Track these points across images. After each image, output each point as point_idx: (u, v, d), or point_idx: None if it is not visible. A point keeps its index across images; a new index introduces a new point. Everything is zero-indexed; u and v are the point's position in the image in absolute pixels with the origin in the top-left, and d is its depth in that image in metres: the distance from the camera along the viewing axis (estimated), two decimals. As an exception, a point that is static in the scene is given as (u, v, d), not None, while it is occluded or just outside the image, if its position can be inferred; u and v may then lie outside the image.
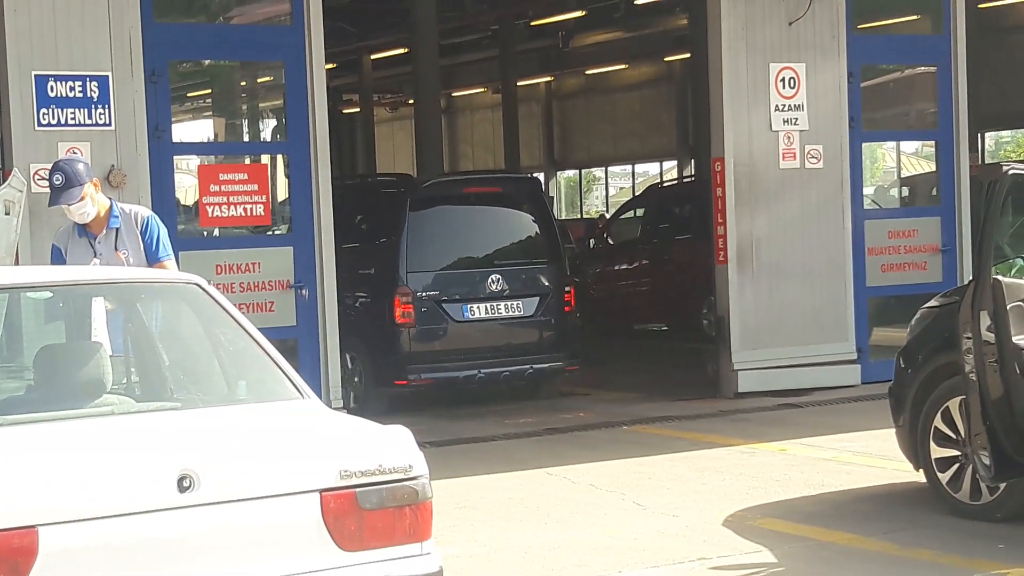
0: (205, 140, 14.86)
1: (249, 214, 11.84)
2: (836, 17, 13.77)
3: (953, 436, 8.45)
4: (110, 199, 8.40)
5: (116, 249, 8.14)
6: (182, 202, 13.06)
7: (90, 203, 8.10)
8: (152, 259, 8.18)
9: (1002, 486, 8.12)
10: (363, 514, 5.04)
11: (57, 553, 4.61)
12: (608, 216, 32.82)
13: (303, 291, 11.95)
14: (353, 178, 27.79)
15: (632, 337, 20.02)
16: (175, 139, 11.89)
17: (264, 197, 11.93)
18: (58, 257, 8.26)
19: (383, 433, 5.28)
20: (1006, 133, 35.03)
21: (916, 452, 8.74)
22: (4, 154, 11.10)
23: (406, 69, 29.27)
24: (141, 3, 11.22)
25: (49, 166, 8.40)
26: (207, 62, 13.39)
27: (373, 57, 36.78)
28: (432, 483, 5.24)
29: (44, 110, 10.84)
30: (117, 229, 8.20)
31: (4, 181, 8.57)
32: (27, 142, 10.80)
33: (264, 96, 14.13)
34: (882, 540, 8.05)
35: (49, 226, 9.43)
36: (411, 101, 31.56)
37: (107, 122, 11.04)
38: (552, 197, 41.82)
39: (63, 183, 8.03)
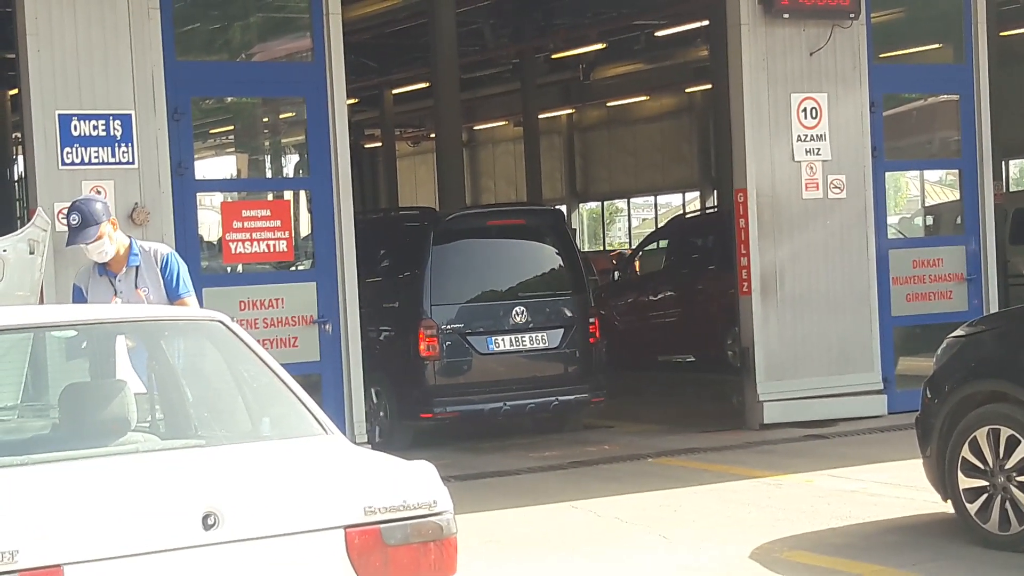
0: (228, 176, 14.93)
1: (272, 250, 11.86)
2: (857, 47, 13.76)
3: (981, 466, 8.39)
4: (129, 237, 8.42)
5: (136, 287, 8.16)
6: (205, 239, 13.09)
7: (108, 241, 8.11)
8: (172, 296, 8.19)
9: (1031, 516, 8.07)
10: (388, 550, 5.02)
11: (82, 592, 4.60)
12: (620, 253, 32.80)
13: (326, 326, 11.95)
14: (376, 212, 27.86)
15: (657, 369, 19.97)
16: (198, 176, 11.94)
17: (287, 233, 11.95)
18: (79, 296, 8.28)
19: (407, 468, 5.26)
20: (1030, 161, 34.89)
21: (944, 482, 8.68)
22: (28, 193, 11.15)
23: (427, 103, 29.32)
24: (163, 42, 11.28)
25: (73, 205, 8.41)
26: (229, 99, 13.45)
27: (394, 92, 36.89)
28: (457, 518, 5.22)
29: (68, 149, 10.88)
30: (137, 267, 8.22)
31: (28, 220, 8.59)
32: (50, 181, 10.84)
33: (286, 132, 14.18)
34: (910, 571, 7.98)
35: (73, 264, 9.45)
36: (433, 135, 31.62)
37: (130, 160, 11.08)
38: (575, 229, 41.81)
39: (79, 223, 8.06)
